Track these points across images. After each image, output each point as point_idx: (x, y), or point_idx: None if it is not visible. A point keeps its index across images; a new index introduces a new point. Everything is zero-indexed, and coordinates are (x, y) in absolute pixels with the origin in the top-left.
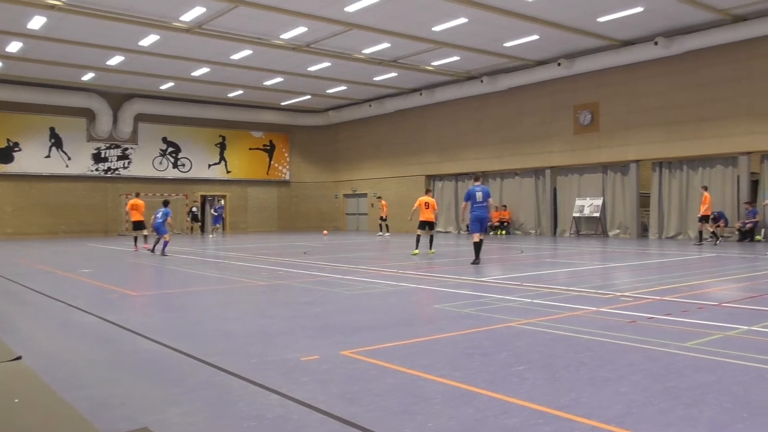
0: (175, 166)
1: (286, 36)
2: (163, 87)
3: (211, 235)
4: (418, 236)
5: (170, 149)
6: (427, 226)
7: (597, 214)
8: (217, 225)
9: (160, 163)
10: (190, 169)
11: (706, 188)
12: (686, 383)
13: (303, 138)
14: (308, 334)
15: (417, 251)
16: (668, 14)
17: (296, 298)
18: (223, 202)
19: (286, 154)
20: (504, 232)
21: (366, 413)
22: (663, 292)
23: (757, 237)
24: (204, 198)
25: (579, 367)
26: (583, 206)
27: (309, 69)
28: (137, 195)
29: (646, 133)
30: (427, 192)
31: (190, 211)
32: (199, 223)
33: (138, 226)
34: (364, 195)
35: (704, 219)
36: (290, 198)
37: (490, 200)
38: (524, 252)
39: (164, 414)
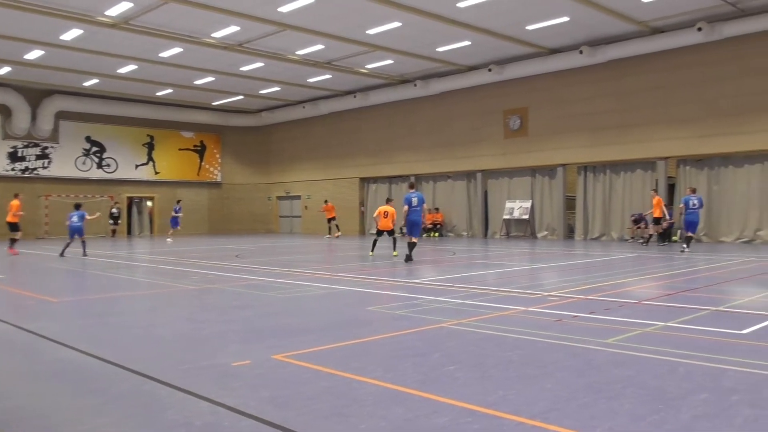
0: (99, 166)
1: (217, 34)
2: (87, 84)
3: (168, 240)
4: (375, 240)
5: (94, 149)
6: (386, 233)
7: (526, 217)
8: (177, 227)
9: (84, 163)
10: (115, 170)
11: (655, 191)
12: (607, 378)
13: (235, 139)
14: (239, 338)
15: (372, 253)
16: (592, 24)
17: (227, 302)
18: (180, 203)
19: (217, 155)
20: (437, 234)
21: (297, 417)
22: (587, 291)
23: (674, 238)
24: (131, 200)
25: (507, 365)
26: (513, 209)
27: (241, 69)
28: (16, 196)
29: (573, 138)
30: (388, 201)
31: (110, 212)
32: (117, 226)
33: (12, 227)
34: (298, 197)
35: (656, 221)
36: (222, 200)
37: (425, 205)
38: (456, 254)
39: (87, 425)
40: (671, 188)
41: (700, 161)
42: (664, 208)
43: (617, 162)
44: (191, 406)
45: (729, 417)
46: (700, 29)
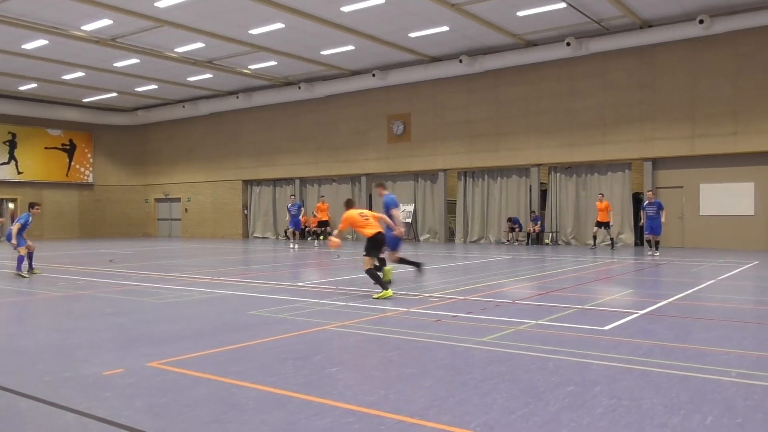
0: None
1: (88, 27)
2: None
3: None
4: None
5: None
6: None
7: (409, 220)
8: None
9: None
10: None
11: (602, 195)
12: (482, 375)
13: (109, 138)
14: (112, 346)
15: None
16: (471, 35)
17: (99, 309)
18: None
19: (89, 155)
20: (323, 237)
21: (174, 425)
22: (466, 292)
23: (546, 241)
24: None
25: (388, 365)
26: None
27: (115, 65)
28: None
29: (453, 144)
30: (349, 204)
31: None
32: None
33: None
34: (178, 199)
35: (600, 225)
36: (94, 202)
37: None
38: (341, 257)
39: None
40: (543, 194)
41: (569, 168)
42: (610, 214)
43: (494, 168)
44: (56, 419)
45: (591, 407)
46: (568, 44)
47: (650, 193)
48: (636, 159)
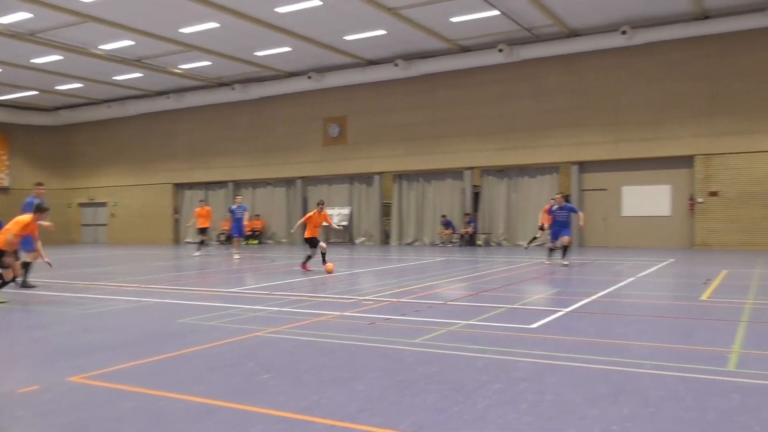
0: None
1: (3, 20)
2: None
3: None
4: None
5: None
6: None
7: (345, 223)
8: None
9: None
10: None
11: (554, 199)
12: (414, 376)
13: (27, 139)
14: (29, 362)
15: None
16: (407, 39)
17: (14, 323)
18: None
19: (4, 157)
20: (256, 241)
21: None
22: (400, 294)
23: (479, 242)
24: None
25: (320, 370)
26: (332, 215)
27: (34, 61)
28: None
29: (389, 147)
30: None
31: None
32: None
33: None
34: (104, 204)
35: (543, 228)
36: (10, 207)
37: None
38: (275, 261)
39: None
40: (476, 196)
41: (501, 171)
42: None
43: (429, 171)
44: None
45: (517, 403)
46: (501, 50)
47: (559, 195)
48: (564, 162)
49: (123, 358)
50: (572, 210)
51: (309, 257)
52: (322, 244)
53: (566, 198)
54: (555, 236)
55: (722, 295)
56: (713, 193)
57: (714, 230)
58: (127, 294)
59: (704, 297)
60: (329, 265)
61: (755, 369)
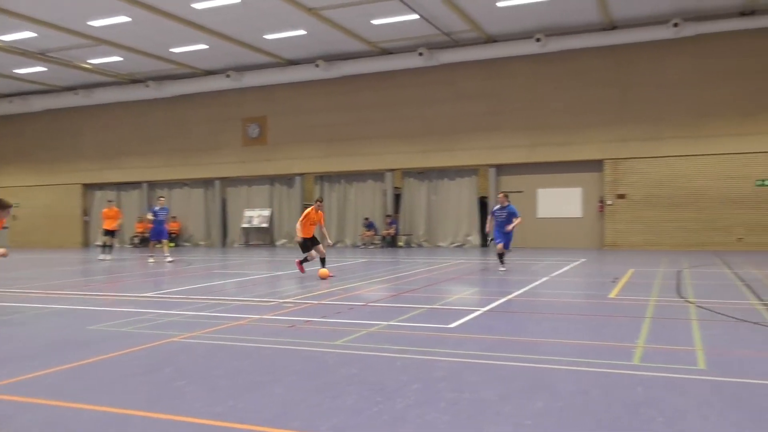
0: None
1: None
2: None
3: None
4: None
5: None
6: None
7: (266, 225)
8: None
9: None
10: None
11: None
12: (334, 378)
13: None
14: None
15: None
16: (327, 40)
17: None
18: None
19: None
20: (173, 244)
21: None
22: (321, 296)
23: (400, 243)
24: None
25: (237, 374)
26: (252, 217)
27: None
28: None
29: (310, 148)
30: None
31: None
32: None
33: None
34: None
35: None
36: None
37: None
38: (192, 264)
39: None
40: (397, 197)
41: (422, 173)
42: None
43: (351, 172)
44: None
45: (435, 402)
46: (421, 54)
47: (501, 195)
48: (483, 165)
49: (27, 368)
50: (513, 213)
51: (306, 259)
52: (321, 247)
53: (507, 196)
54: (498, 237)
55: (629, 293)
56: (621, 196)
57: (622, 231)
58: (32, 301)
59: (612, 295)
60: (323, 270)
61: (658, 362)
